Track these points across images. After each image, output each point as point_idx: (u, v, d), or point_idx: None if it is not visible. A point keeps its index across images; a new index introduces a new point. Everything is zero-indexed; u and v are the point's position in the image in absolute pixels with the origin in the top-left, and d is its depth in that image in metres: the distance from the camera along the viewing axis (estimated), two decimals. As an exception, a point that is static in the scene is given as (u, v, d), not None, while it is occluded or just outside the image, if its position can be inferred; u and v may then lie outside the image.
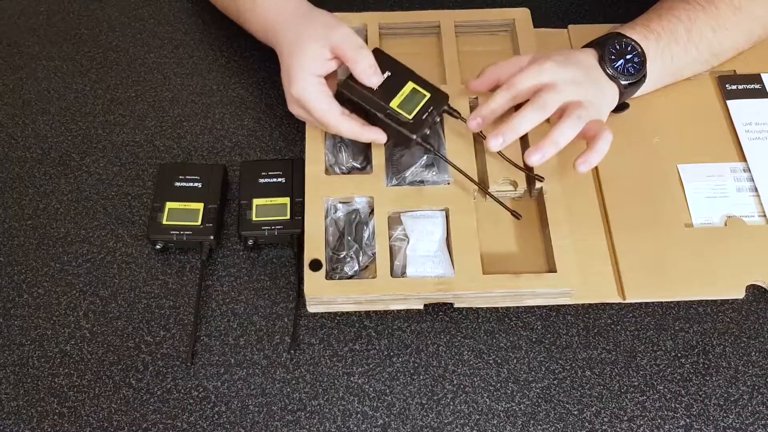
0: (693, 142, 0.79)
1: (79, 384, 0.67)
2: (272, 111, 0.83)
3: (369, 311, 0.70)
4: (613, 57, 0.73)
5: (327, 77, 0.72)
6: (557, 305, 0.71)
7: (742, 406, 0.66)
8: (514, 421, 0.65)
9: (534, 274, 0.69)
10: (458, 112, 0.73)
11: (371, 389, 0.66)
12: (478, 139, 0.76)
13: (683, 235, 0.73)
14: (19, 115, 0.83)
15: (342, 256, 0.69)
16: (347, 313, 0.70)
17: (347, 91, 0.71)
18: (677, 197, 0.76)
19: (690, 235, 0.73)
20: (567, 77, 0.70)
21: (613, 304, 0.71)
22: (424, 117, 0.71)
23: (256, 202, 0.73)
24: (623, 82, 0.74)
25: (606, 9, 0.91)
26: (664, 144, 0.79)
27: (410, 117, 0.70)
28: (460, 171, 0.71)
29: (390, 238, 0.71)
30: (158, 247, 0.72)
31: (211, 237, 0.72)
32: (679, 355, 0.68)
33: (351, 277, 0.69)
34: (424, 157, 0.73)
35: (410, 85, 0.72)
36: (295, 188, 0.74)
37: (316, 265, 0.68)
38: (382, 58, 0.72)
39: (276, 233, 0.72)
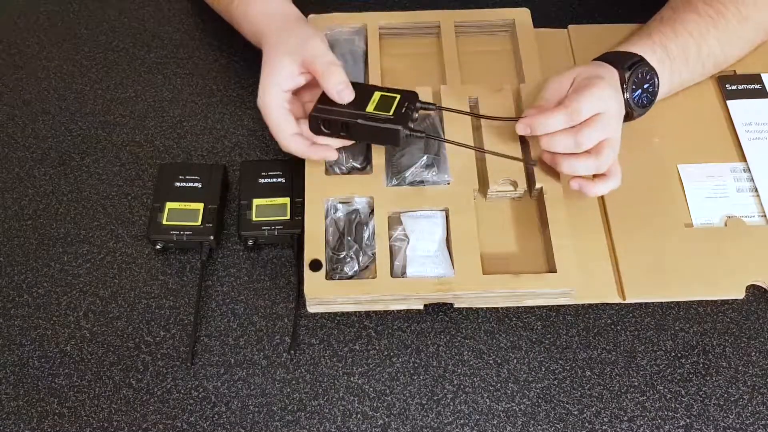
0: (693, 142, 0.79)
1: (79, 384, 0.67)
2: (272, 111, 0.83)
3: (369, 311, 0.70)
4: (634, 87, 0.73)
5: (298, 92, 0.72)
6: (557, 305, 0.71)
7: (742, 406, 0.66)
8: (514, 421, 0.65)
9: (534, 274, 0.69)
10: (432, 104, 0.73)
11: (371, 389, 0.66)
12: (479, 139, 0.76)
13: (683, 235, 0.73)
14: (19, 115, 0.83)
15: (342, 256, 0.69)
16: (347, 313, 0.70)
17: (320, 114, 0.69)
18: (677, 197, 0.76)
19: (690, 235, 0.73)
20: (613, 111, 0.69)
21: (613, 304, 0.71)
22: (403, 111, 0.69)
23: (256, 202, 0.73)
24: (635, 114, 0.74)
25: (606, 9, 0.91)
26: (664, 144, 0.79)
27: (390, 114, 0.69)
28: (461, 144, 0.71)
29: (390, 238, 0.71)
30: (158, 247, 0.72)
31: (211, 237, 0.72)
32: (679, 355, 0.68)
33: (351, 278, 0.69)
34: (424, 157, 0.73)
35: (378, 93, 0.71)
36: (295, 188, 0.74)
37: (316, 265, 0.68)
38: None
39: (276, 233, 0.72)
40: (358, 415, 0.65)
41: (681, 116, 0.80)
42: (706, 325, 0.70)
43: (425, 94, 0.77)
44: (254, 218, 0.72)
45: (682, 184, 0.77)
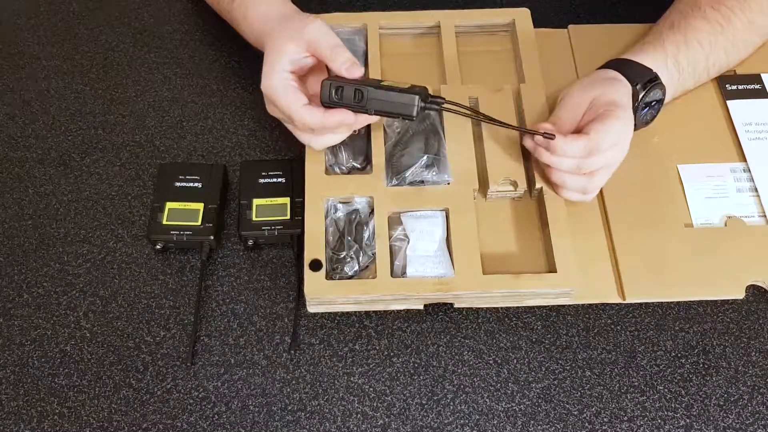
0: (693, 142, 0.79)
1: (79, 384, 0.67)
2: (272, 111, 0.83)
3: (369, 311, 0.70)
4: (644, 105, 0.73)
5: (302, 76, 0.71)
6: (557, 305, 0.71)
7: (742, 406, 0.66)
8: (514, 421, 0.65)
9: (534, 274, 0.69)
10: (441, 97, 0.71)
11: (371, 389, 0.66)
12: (478, 139, 0.76)
13: (683, 235, 0.73)
14: (19, 115, 0.83)
15: (342, 256, 0.69)
16: (347, 313, 0.70)
17: (333, 80, 0.68)
18: (677, 197, 0.76)
19: (690, 235, 0.73)
20: (626, 142, 0.69)
21: (613, 304, 0.71)
22: (417, 89, 0.68)
23: (256, 202, 0.73)
24: (636, 128, 0.73)
25: (606, 9, 0.91)
26: (664, 144, 0.79)
27: (405, 86, 0.68)
28: (492, 121, 0.70)
29: (390, 238, 0.71)
30: (158, 247, 0.72)
31: (211, 237, 0.72)
32: (679, 355, 0.68)
33: (351, 278, 0.69)
34: (424, 157, 0.73)
35: (387, 81, 0.70)
36: (295, 188, 0.74)
37: (316, 265, 0.68)
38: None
39: (276, 233, 0.72)
40: (358, 415, 0.65)
41: (681, 116, 0.80)
42: (706, 325, 0.70)
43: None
44: (254, 218, 0.72)
45: (682, 184, 0.77)
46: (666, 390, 0.67)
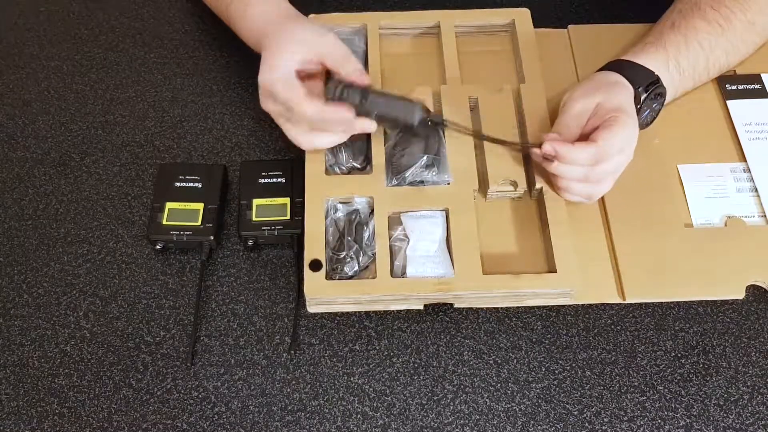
0: (693, 143, 0.79)
1: (79, 384, 0.67)
2: (272, 111, 0.83)
3: (369, 311, 0.70)
4: (645, 107, 0.73)
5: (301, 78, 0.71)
6: (557, 305, 0.71)
7: (742, 406, 0.66)
8: (514, 421, 0.65)
9: (534, 274, 0.69)
10: (441, 117, 0.74)
11: (371, 389, 0.66)
12: (478, 138, 0.76)
13: (683, 235, 0.73)
14: (19, 115, 0.83)
15: (342, 256, 0.69)
16: (347, 313, 0.70)
17: (340, 80, 0.69)
18: (677, 197, 0.76)
19: (690, 235, 0.73)
20: (631, 149, 0.70)
21: (613, 304, 0.71)
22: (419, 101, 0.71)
23: (256, 202, 0.73)
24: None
25: (606, 9, 0.91)
26: (664, 144, 0.79)
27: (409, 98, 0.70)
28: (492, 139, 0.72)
29: (390, 238, 0.71)
30: (158, 247, 0.72)
31: (211, 237, 0.72)
32: (679, 355, 0.68)
33: (351, 278, 0.69)
34: (424, 158, 0.73)
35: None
36: (295, 188, 0.74)
37: (316, 266, 0.68)
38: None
39: (276, 233, 0.72)
40: (358, 415, 0.65)
41: (681, 116, 0.80)
42: (706, 325, 0.70)
43: (425, 94, 0.77)
44: (254, 218, 0.72)
45: (682, 184, 0.77)
46: (666, 390, 0.67)
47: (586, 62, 0.83)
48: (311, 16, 0.83)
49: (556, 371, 0.67)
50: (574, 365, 0.68)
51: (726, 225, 0.74)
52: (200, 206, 0.73)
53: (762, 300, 0.71)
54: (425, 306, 0.70)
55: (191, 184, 0.74)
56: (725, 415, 0.65)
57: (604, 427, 0.65)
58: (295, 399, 0.66)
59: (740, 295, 0.71)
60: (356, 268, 0.69)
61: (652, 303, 0.71)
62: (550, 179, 0.72)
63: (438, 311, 0.70)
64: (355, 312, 0.70)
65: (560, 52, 0.86)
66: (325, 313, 0.70)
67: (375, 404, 0.66)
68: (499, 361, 0.68)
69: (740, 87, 0.83)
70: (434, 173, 0.73)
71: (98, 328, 0.69)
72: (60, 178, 0.78)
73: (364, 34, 0.83)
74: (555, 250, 0.69)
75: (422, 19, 0.85)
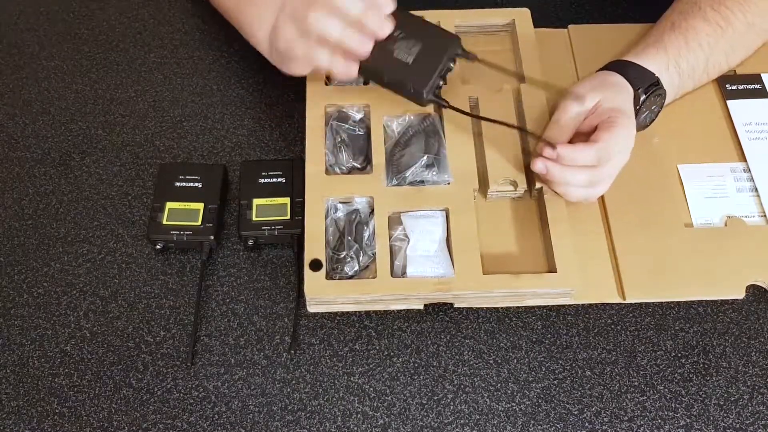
0: (693, 142, 0.79)
1: (79, 384, 0.67)
2: (272, 111, 0.83)
3: (369, 311, 0.70)
4: (644, 108, 0.73)
5: None
6: (557, 305, 0.71)
7: (742, 406, 0.66)
8: (514, 421, 0.65)
9: (534, 274, 0.69)
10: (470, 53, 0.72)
11: (371, 389, 0.66)
12: (478, 139, 0.76)
13: (683, 235, 0.73)
14: (19, 115, 0.83)
15: (342, 256, 0.69)
16: (347, 313, 0.70)
17: None
18: (677, 197, 0.76)
19: (690, 235, 0.73)
20: (629, 150, 0.70)
21: (613, 304, 0.71)
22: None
23: (256, 202, 0.73)
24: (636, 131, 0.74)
25: (606, 9, 0.91)
26: (664, 144, 0.79)
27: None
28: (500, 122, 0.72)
29: (390, 238, 0.71)
30: (158, 247, 0.72)
31: (211, 237, 0.72)
32: (679, 355, 0.68)
33: (351, 277, 0.69)
34: (425, 157, 0.73)
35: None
36: (295, 188, 0.74)
37: (316, 265, 0.68)
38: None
39: (276, 233, 0.72)
40: (358, 415, 0.65)
41: (681, 116, 0.80)
42: (706, 325, 0.70)
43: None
44: (254, 218, 0.72)
45: (682, 184, 0.77)
46: (666, 390, 0.67)
47: (586, 62, 0.83)
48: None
49: (556, 371, 0.67)
50: (574, 365, 0.68)
51: (726, 225, 0.74)
52: (200, 206, 0.73)
53: (762, 300, 0.71)
54: (425, 306, 0.70)
55: (191, 184, 0.74)
56: (725, 415, 0.65)
57: (604, 427, 0.65)
58: (295, 399, 0.66)
59: (740, 295, 0.71)
60: (356, 267, 0.69)
61: (652, 303, 0.71)
62: (551, 187, 0.72)
63: (438, 311, 0.70)
64: (355, 312, 0.70)
65: (560, 52, 0.86)
66: (325, 312, 0.70)
67: (375, 404, 0.66)
68: (499, 361, 0.68)
69: (740, 87, 0.83)
70: (434, 173, 0.73)
71: (98, 327, 0.69)
72: (60, 178, 0.78)
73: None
74: (555, 249, 0.69)
75: (422, 19, 0.85)
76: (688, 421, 0.65)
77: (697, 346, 0.69)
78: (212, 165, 0.77)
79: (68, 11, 0.92)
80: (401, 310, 0.70)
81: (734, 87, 0.83)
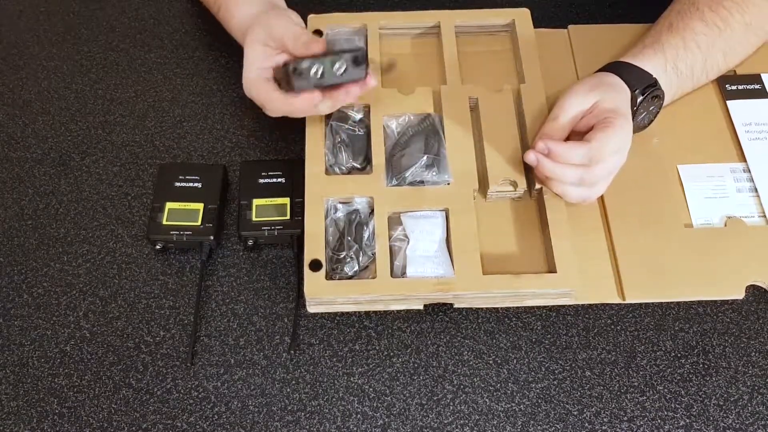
0: (693, 143, 0.79)
1: (79, 384, 0.67)
2: (272, 111, 0.83)
3: (369, 311, 0.70)
4: (642, 109, 0.73)
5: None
6: (557, 305, 0.71)
7: (742, 406, 0.66)
8: (514, 421, 0.65)
9: (534, 274, 0.69)
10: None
11: (371, 389, 0.66)
12: (478, 139, 0.76)
13: (683, 235, 0.73)
14: (19, 115, 0.83)
15: (342, 256, 0.69)
16: (347, 313, 0.70)
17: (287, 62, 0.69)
18: (677, 197, 0.76)
19: (690, 235, 0.73)
20: (626, 151, 0.70)
21: (613, 304, 0.71)
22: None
23: (256, 202, 0.73)
24: (633, 132, 0.73)
25: (606, 9, 0.91)
26: (664, 144, 0.79)
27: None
28: None
29: (390, 238, 0.71)
30: (158, 247, 0.72)
31: (211, 237, 0.72)
32: (679, 355, 0.68)
33: (351, 278, 0.69)
34: (424, 158, 0.73)
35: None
36: (295, 188, 0.74)
37: (316, 266, 0.68)
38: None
39: (276, 233, 0.72)
40: (358, 415, 0.65)
41: (681, 116, 0.80)
42: (706, 325, 0.70)
43: (425, 94, 0.78)
44: (254, 218, 0.72)
45: (681, 184, 0.77)
46: (666, 390, 0.67)
47: (586, 62, 0.83)
48: (311, 16, 0.83)
49: (556, 371, 0.67)
50: (574, 365, 0.68)
51: (726, 225, 0.74)
52: (200, 206, 0.73)
53: (762, 300, 0.71)
54: (425, 306, 0.70)
55: (191, 184, 0.74)
56: (725, 415, 0.65)
57: (604, 427, 0.65)
58: (295, 399, 0.66)
59: (740, 295, 0.71)
60: (356, 268, 0.69)
61: (652, 303, 0.71)
62: (548, 187, 0.72)
63: (438, 311, 0.70)
64: (355, 312, 0.70)
65: (560, 52, 0.86)
66: (325, 313, 0.70)
67: (375, 404, 0.66)
68: (499, 361, 0.68)
69: (740, 87, 0.83)
70: (434, 173, 0.73)
71: (98, 328, 0.69)
72: (60, 178, 0.78)
73: (364, 34, 0.83)
74: (555, 250, 0.69)
75: (422, 19, 0.85)
76: (687, 421, 0.65)
77: (696, 347, 0.69)
78: (212, 165, 0.77)
79: (68, 11, 0.92)
80: (401, 311, 0.70)
81: (734, 87, 0.83)
